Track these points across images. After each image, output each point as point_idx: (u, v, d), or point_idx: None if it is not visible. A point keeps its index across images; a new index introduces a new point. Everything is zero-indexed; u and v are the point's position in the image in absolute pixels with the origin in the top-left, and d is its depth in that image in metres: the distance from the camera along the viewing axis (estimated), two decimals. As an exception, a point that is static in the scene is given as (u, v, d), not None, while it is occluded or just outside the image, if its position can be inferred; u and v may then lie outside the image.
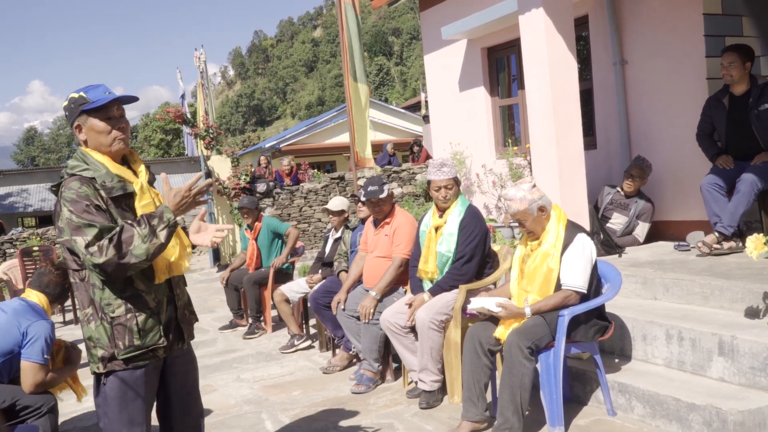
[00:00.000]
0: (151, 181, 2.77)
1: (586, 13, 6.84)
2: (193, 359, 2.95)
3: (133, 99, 2.73)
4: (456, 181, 4.51)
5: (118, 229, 2.47)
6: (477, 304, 3.76)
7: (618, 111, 6.56)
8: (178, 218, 2.60)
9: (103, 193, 2.56)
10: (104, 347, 2.58)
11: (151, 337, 2.62)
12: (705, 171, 5.21)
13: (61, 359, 3.86)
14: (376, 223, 5.13)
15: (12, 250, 12.05)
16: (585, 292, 3.65)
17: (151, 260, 2.50)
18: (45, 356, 3.51)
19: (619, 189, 6.11)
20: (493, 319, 3.79)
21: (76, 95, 2.62)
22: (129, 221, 2.52)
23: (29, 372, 3.47)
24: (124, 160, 2.74)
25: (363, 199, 5.09)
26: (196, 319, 2.96)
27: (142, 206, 2.65)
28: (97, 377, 2.65)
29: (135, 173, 2.72)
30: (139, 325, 2.59)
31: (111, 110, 2.62)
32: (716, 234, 4.93)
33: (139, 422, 2.65)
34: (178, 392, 2.84)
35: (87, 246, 2.43)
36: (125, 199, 2.63)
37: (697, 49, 5.80)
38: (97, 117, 2.60)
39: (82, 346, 3.33)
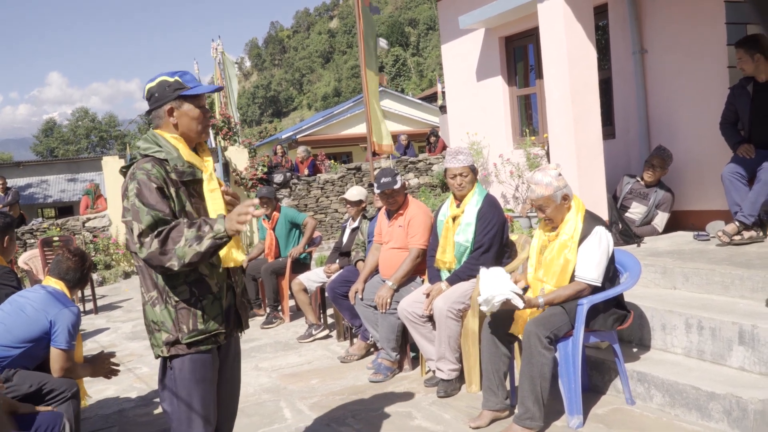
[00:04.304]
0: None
1: (605, 1, 6.77)
2: (239, 347, 2.99)
3: (219, 89, 2.89)
4: (472, 170, 4.49)
5: (172, 224, 2.45)
6: (493, 299, 3.45)
7: (637, 100, 6.50)
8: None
9: (174, 176, 2.58)
10: (169, 331, 2.59)
11: (214, 322, 2.65)
12: (725, 160, 5.16)
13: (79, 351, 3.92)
14: (390, 215, 5.14)
15: (32, 241, 12.18)
16: (598, 284, 3.63)
17: (188, 266, 2.43)
18: (72, 342, 3.61)
19: (638, 178, 6.06)
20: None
21: (170, 79, 2.65)
22: (186, 220, 2.48)
23: (57, 358, 3.57)
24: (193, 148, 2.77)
25: (377, 191, 5.10)
26: (251, 307, 2.99)
27: (210, 190, 2.68)
28: (163, 361, 2.65)
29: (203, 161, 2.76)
30: (203, 310, 2.61)
31: (203, 99, 2.71)
32: (737, 223, 4.89)
33: (207, 403, 2.67)
34: (225, 377, 2.86)
35: (139, 235, 2.43)
36: (194, 184, 2.66)
37: (718, 37, 5.73)
38: (193, 104, 2.67)
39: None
